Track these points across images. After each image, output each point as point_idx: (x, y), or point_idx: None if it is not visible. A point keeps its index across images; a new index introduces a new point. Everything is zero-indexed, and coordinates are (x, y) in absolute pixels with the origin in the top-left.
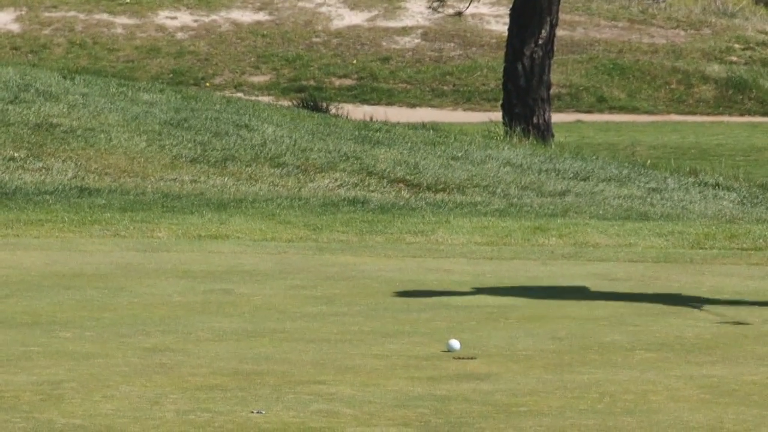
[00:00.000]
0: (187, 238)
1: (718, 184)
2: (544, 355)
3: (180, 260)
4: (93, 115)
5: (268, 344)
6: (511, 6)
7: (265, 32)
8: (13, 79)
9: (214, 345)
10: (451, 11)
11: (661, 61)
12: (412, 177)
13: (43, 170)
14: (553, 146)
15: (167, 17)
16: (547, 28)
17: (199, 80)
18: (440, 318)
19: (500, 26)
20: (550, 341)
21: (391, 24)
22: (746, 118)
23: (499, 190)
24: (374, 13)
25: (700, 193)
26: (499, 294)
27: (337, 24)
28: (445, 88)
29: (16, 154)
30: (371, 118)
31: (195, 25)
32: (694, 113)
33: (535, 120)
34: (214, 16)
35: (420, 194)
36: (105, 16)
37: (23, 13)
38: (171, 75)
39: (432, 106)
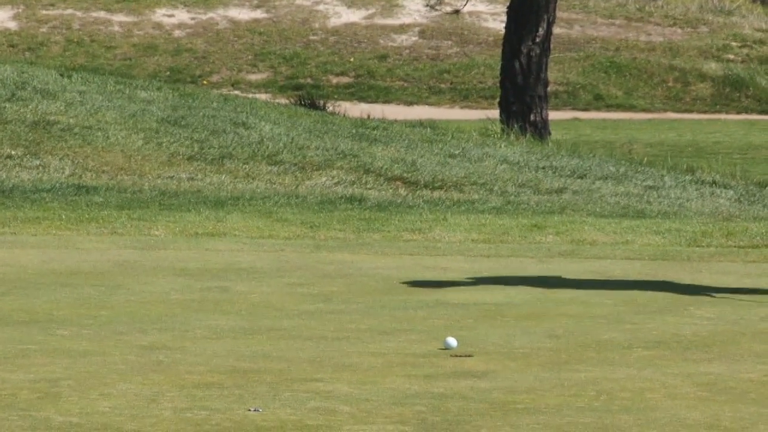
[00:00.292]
0: (184, 236)
1: (715, 182)
2: (541, 353)
3: (177, 258)
4: (90, 112)
5: (265, 342)
6: (508, 4)
7: (262, 30)
8: (10, 76)
9: (211, 343)
10: (448, 9)
11: (658, 59)
12: (410, 175)
13: (41, 168)
14: (550, 144)
15: (164, 15)
16: (545, 25)
17: (196, 78)
18: (437, 316)
19: (497, 24)
20: (548, 339)
21: (389, 22)
22: (743, 116)
23: (496, 188)
24: (371, 10)
25: (697, 190)
26: (496, 291)
27: (335, 22)
28: (443, 85)
29: (13, 152)
30: (368, 116)
31: (192, 22)
32: (691, 111)
33: (532, 118)
34: (211, 14)
35: (417, 192)
36: (102, 14)
37: (20, 10)
38: (168, 73)
39: (429, 104)
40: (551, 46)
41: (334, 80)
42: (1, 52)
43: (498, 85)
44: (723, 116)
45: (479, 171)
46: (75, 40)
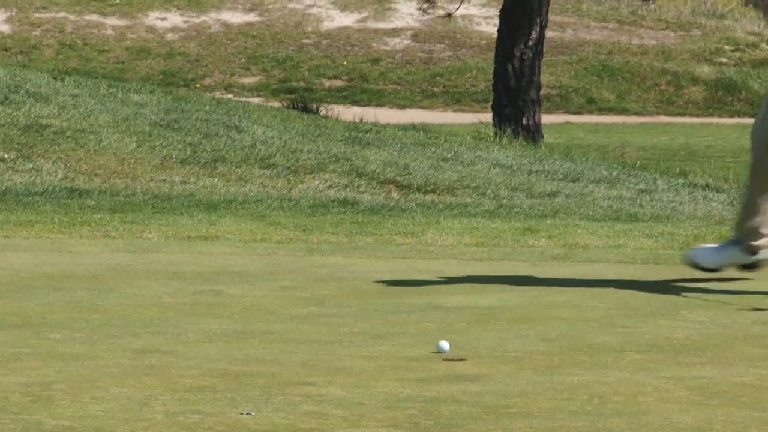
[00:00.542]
0: (176, 239)
1: (707, 186)
2: (533, 357)
3: (170, 261)
4: (83, 116)
5: (258, 345)
6: (500, 7)
7: (255, 33)
8: (2, 80)
9: (204, 346)
10: (441, 12)
11: (651, 62)
12: (402, 178)
13: (33, 171)
14: (542, 147)
15: (157, 18)
16: (537, 29)
17: (189, 81)
18: (430, 319)
19: (490, 27)
20: (540, 343)
21: (381, 25)
22: (736, 120)
23: (489, 192)
24: (364, 14)
25: (689, 194)
26: (489, 295)
27: (327, 25)
28: (435, 89)
29: (5, 155)
30: (361, 120)
31: (185, 26)
32: (683, 114)
33: (524, 121)
34: (204, 17)
35: (410, 195)
36: (95, 17)
37: (13, 14)
38: (161, 76)
39: (422, 107)
40: (544, 49)
41: (327, 83)
42: None
43: (491, 88)
44: (716, 120)
45: (472, 174)
46: (68, 43)
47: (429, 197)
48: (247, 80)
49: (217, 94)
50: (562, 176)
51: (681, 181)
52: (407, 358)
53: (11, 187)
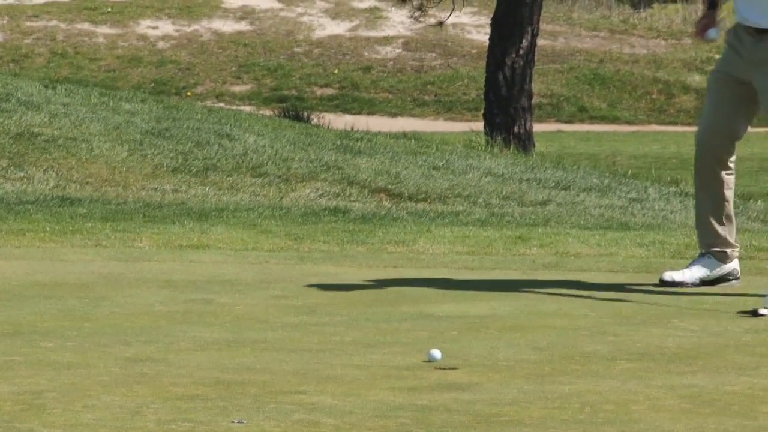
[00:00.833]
0: (168, 248)
1: None
2: (525, 365)
3: (161, 270)
4: (74, 124)
5: (250, 354)
6: (492, 16)
7: (246, 42)
8: None
9: (195, 355)
10: (432, 21)
11: (642, 71)
12: (394, 187)
13: (25, 180)
14: (534, 156)
15: (149, 27)
16: (528, 37)
17: (180, 90)
18: (421, 328)
19: (481, 36)
20: (532, 351)
21: (373, 34)
22: None
23: (480, 200)
24: (356, 22)
25: (681, 202)
26: (481, 304)
27: (319, 34)
28: (427, 97)
29: None
30: (352, 128)
31: (176, 34)
32: (674, 123)
33: (516, 130)
34: (195, 26)
35: (401, 204)
36: (86, 26)
37: (5, 22)
38: (152, 84)
39: (413, 116)
40: (535, 58)
41: (318, 92)
42: None
43: (482, 97)
44: None
45: (463, 183)
46: (59, 51)
47: (420, 206)
48: (239, 89)
49: (209, 103)
50: (553, 185)
51: (672, 189)
52: (399, 366)
53: (2, 196)
